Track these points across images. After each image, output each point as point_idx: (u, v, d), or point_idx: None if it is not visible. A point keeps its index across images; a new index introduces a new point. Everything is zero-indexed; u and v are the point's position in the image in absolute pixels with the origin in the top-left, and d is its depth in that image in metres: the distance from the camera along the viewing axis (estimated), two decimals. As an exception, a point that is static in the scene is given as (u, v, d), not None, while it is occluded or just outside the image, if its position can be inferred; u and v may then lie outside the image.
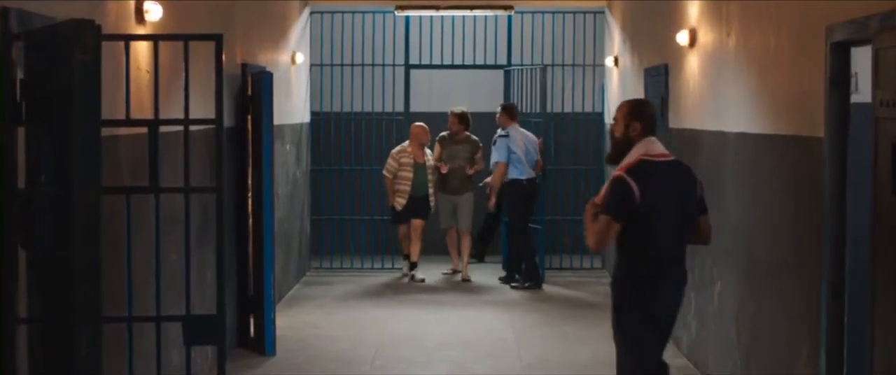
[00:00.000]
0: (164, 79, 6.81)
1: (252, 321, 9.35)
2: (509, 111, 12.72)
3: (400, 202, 12.74)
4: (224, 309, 4.55)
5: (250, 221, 9.37)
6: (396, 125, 13.83)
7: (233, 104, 9.18)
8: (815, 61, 5.90)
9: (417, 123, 12.87)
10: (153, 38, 5.27)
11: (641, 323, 5.74)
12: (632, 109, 5.94)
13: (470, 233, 13.01)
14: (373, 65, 13.88)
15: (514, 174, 12.51)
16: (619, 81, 12.86)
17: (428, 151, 12.91)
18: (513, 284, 12.62)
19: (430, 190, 12.83)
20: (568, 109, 14.12)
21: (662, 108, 9.84)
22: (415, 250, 12.88)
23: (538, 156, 12.80)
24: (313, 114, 13.88)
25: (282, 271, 11.64)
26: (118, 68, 6.09)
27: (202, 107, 7.91)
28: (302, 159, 13.15)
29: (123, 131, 5.84)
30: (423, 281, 12.80)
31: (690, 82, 8.91)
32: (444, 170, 12.79)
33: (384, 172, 12.81)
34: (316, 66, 13.87)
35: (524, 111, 13.93)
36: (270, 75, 9.09)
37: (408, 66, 13.97)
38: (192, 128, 7.39)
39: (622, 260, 5.81)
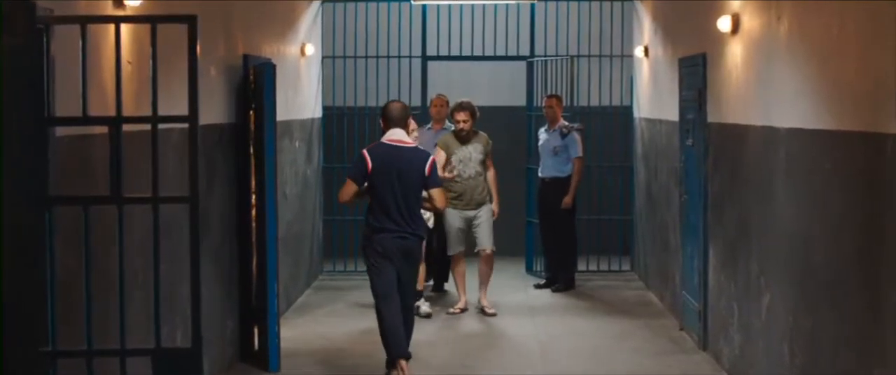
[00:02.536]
0: (145, 72, 6.09)
1: (256, 333, 8.63)
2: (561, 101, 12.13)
3: None
4: (200, 342, 3.83)
5: (253, 225, 8.64)
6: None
7: (233, 99, 8.46)
8: (888, 48, 5.12)
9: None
10: (114, 20, 4.52)
11: (375, 256, 8.01)
12: (382, 112, 8.38)
13: (494, 254, 10.83)
14: (388, 57, 13.12)
15: (568, 170, 11.87)
16: (649, 73, 12.08)
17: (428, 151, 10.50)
18: (555, 287, 11.94)
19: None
20: (595, 103, 13.34)
21: (699, 101, 9.07)
22: (418, 279, 9.88)
23: None
24: (325, 108, 13.15)
25: (290, 277, 10.92)
26: (101, 60, 5.39)
27: (202, 106, 7.19)
28: (313, 157, 12.42)
29: (99, 131, 5.11)
30: (429, 316, 10.39)
31: (733, 73, 8.13)
32: (451, 176, 10.40)
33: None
34: (328, 59, 13.13)
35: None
36: (273, 67, 8.35)
37: (425, 58, 13.20)
38: (176, 127, 6.74)
39: (368, 212, 8.13)
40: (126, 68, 5.77)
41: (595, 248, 13.28)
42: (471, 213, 10.69)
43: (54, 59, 4.55)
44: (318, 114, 12.84)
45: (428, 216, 9.99)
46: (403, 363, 7.83)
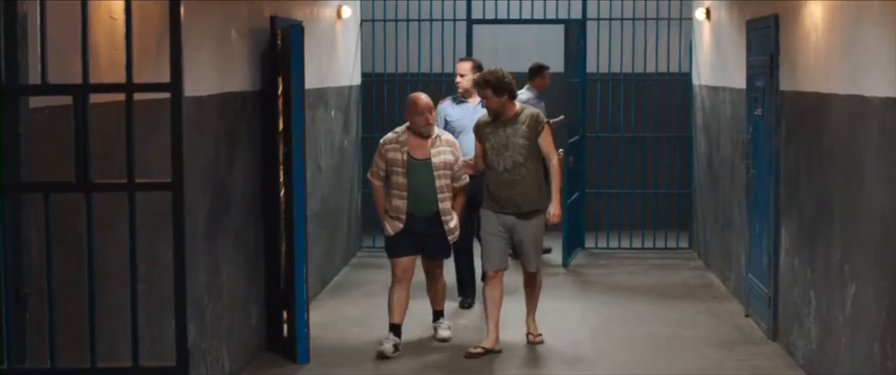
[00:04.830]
0: (146, 34, 5.36)
1: (285, 318, 7.93)
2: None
3: (392, 223, 8.00)
4: (187, 357, 3.12)
5: (282, 201, 7.92)
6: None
7: (258, 65, 7.72)
8: None
9: (415, 94, 8.20)
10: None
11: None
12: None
13: (540, 274, 8.27)
14: (431, 20, 12.32)
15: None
16: (711, 37, 11.22)
17: (446, 134, 8.26)
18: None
19: (442, 206, 8.00)
20: (651, 69, 12.51)
21: (770, 67, 8.23)
22: (433, 295, 8.37)
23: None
24: (364, 75, 12.40)
25: (325, 255, 10.22)
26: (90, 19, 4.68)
27: (214, 72, 6.49)
28: (351, 126, 11.68)
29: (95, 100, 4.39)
30: (448, 339, 8.26)
31: (811, 36, 7.29)
32: (475, 171, 8.15)
33: (369, 176, 8.19)
34: (367, 22, 12.37)
35: (602, 70, 12.45)
36: (300, 29, 7.60)
37: (470, 21, 12.37)
38: (188, 96, 5.97)
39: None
40: (113, 25, 5.05)
41: (650, 224, 12.51)
42: (509, 220, 7.97)
43: (26, 15, 3.82)
44: (357, 81, 12.10)
45: (453, 226, 8.06)
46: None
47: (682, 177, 12.58)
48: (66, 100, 4.02)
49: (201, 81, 6.42)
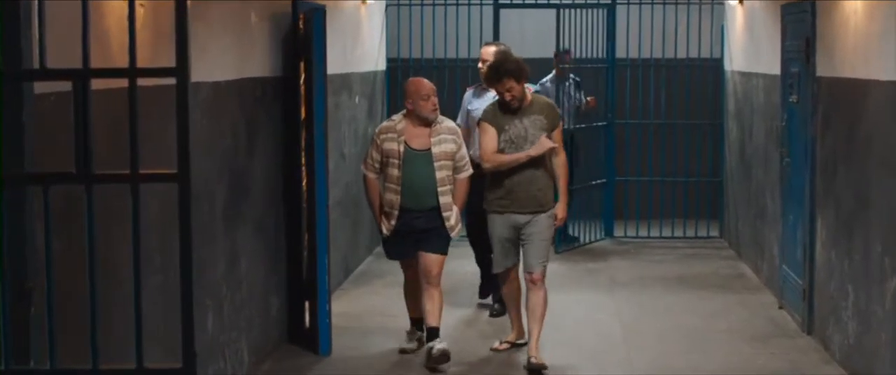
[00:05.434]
0: (164, 19, 5.17)
1: (307, 310, 7.75)
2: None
3: (388, 222, 7.36)
4: (194, 359, 2.93)
5: (304, 189, 7.74)
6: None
7: (279, 49, 7.53)
8: None
9: (416, 78, 7.60)
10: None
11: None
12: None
13: (544, 280, 7.30)
14: (457, 4, 12.10)
15: None
16: (744, 21, 10.96)
17: (447, 121, 7.44)
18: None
19: (443, 200, 7.30)
20: (681, 54, 12.25)
21: (807, 52, 7.98)
22: (429, 307, 7.31)
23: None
24: (389, 60, 12.20)
25: (348, 244, 10.04)
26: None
27: (233, 57, 6.29)
28: (376, 113, 11.48)
29: (103, 85, 4.21)
30: (445, 355, 7.16)
31: (849, 20, 7.03)
32: (487, 165, 7.23)
33: (362, 168, 7.52)
34: (392, 6, 12.17)
35: (632, 56, 12.20)
36: (322, 11, 7.40)
37: (497, 5, 12.13)
38: (204, 81, 5.83)
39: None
40: (138, 11, 4.86)
41: (681, 212, 12.28)
42: (522, 219, 7.26)
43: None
44: (382, 66, 11.90)
45: (454, 223, 7.38)
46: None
47: (713, 165, 12.33)
48: (60, 86, 3.85)
49: (219, 66, 6.24)
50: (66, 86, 3.96)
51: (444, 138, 7.31)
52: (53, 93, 4.05)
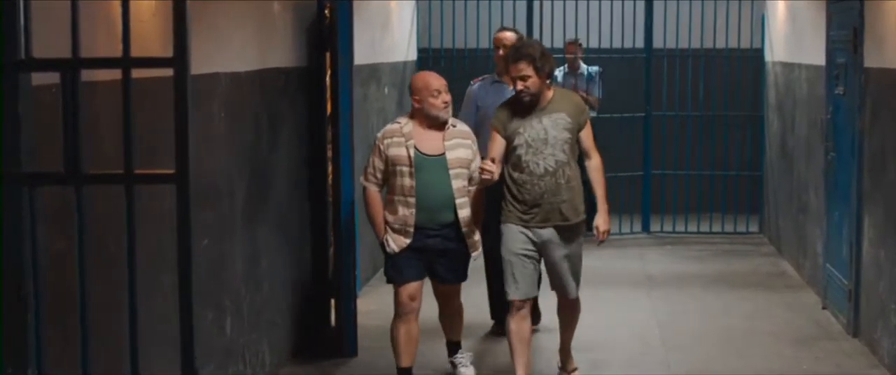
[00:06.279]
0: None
1: (332, 309, 7.50)
2: None
3: (396, 238, 6.28)
4: (194, 371, 2.66)
5: (330, 184, 7.48)
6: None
7: (303, 40, 7.26)
8: None
9: (423, 72, 6.69)
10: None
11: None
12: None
13: (578, 305, 6.48)
14: (490, -7, 11.83)
15: None
16: (786, 10, 10.60)
17: (461, 124, 6.43)
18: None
19: (462, 214, 6.23)
20: (720, 44, 11.90)
21: (854, 43, 7.64)
22: (451, 323, 6.71)
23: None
24: (420, 51, 11.92)
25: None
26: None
27: (254, 47, 6.02)
28: (405, 104, 11.18)
29: (107, 76, 3.96)
30: None
31: (901, 7, 6.70)
32: (491, 173, 5.85)
33: (362, 180, 6.43)
34: (423, -5, 11.90)
35: (669, 46, 11.88)
36: (349, 1, 7.13)
37: (531, -6, 11.86)
38: (222, 71, 5.56)
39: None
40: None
41: (719, 206, 11.95)
42: (547, 235, 6.19)
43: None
44: (413, 56, 11.62)
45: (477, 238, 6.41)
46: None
47: (753, 159, 11.99)
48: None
49: (239, 57, 5.97)
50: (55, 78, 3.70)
51: (460, 143, 6.25)
52: (54, 83, 3.80)
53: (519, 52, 6.11)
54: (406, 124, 6.27)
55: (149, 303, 4.40)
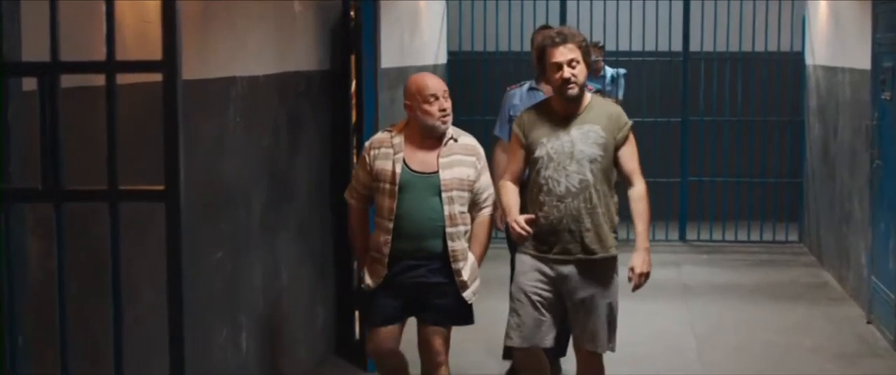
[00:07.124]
0: (188, 7, 4.64)
1: (356, 321, 7.23)
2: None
3: (373, 270, 5.24)
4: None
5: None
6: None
7: (327, 42, 7.00)
8: None
9: (418, 74, 5.45)
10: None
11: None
12: None
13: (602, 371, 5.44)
14: (522, -6, 11.54)
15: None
16: (829, 12, 10.25)
17: (466, 137, 5.34)
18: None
19: (453, 245, 5.16)
20: (759, 47, 11.56)
21: (902, 45, 7.31)
22: None
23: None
24: (450, 54, 11.65)
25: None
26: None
27: (272, 50, 5.76)
28: (435, 109, 10.93)
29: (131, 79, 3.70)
30: None
31: (953, 8, 6.37)
32: (524, 233, 5.03)
33: (346, 195, 5.45)
34: (453, -3, 11.63)
35: (707, 49, 11.55)
36: (375, 0, 6.86)
37: (564, -4, 11.57)
38: (238, 74, 5.29)
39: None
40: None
41: (757, 214, 11.61)
42: (567, 272, 5.17)
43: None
44: (442, 59, 11.35)
45: (467, 277, 5.25)
46: None
47: (793, 165, 11.64)
48: (76, 80, 3.35)
49: (257, 60, 5.71)
50: (70, 80, 3.44)
51: (460, 159, 5.19)
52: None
53: (568, 34, 5.11)
54: (396, 134, 5.25)
55: (160, 319, 4.15)
